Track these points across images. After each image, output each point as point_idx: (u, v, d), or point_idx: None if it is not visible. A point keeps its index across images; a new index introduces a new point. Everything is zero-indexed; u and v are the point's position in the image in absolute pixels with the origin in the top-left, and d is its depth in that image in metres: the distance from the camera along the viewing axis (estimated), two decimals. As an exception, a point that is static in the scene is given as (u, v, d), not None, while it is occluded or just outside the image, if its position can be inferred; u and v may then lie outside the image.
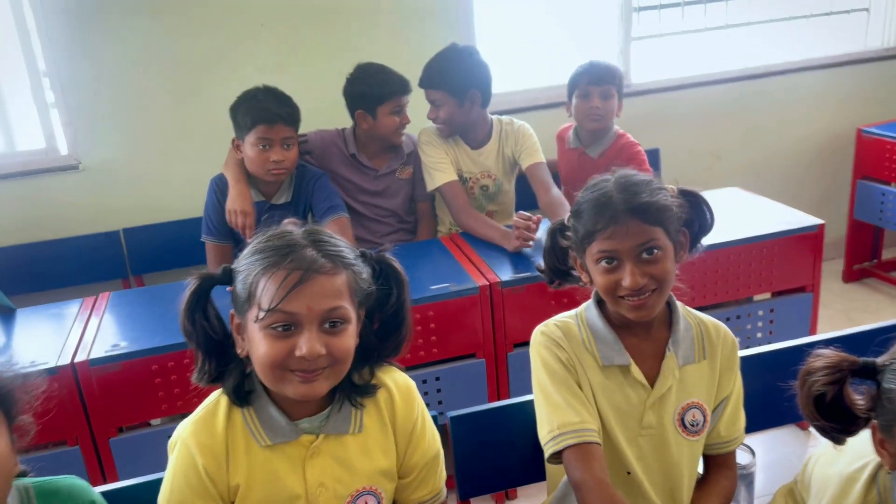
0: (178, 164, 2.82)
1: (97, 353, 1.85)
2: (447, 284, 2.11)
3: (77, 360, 1.82)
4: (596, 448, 1.21)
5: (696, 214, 1.28)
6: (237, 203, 2.30)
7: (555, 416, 1.23)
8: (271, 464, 1.11)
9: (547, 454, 1.23)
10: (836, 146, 3.65)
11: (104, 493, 1.26)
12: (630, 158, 2.54)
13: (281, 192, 2.40)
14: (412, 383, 1.22)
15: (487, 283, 2.11)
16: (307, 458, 1.12)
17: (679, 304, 1.33)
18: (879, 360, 1.04)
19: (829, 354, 1.06)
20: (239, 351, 1.11)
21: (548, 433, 1.23)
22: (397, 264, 1.17)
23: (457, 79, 2.45)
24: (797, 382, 1.08)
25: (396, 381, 1.20)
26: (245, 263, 1.08)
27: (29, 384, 1.01)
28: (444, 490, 1.26)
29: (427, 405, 1.25)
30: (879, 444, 1.02)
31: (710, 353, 1.31)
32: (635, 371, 1.27)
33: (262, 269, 1.04)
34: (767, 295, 2.52)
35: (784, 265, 2.40)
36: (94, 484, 1.87)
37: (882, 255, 3.62)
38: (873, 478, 1.09)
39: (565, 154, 2.75)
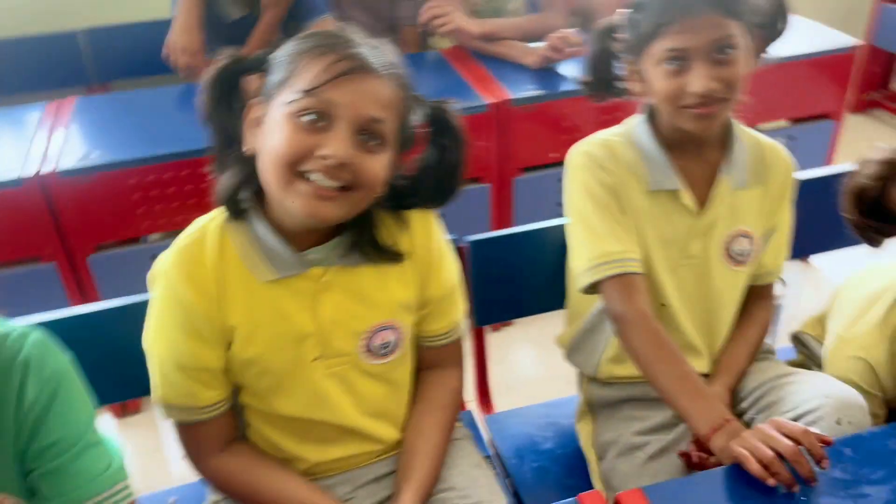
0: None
1: (66, 164, 1.66)
2: (451, 101, 1.91)
3: (43, 171, 1.64)
4: (639, 279, 1.11)
5: (775, 12, 1.09)
6: (180, 37, 1.90)
7: (595, 245, 1.11)
8: (276, 301, 0.97)
9: (583, 284, 1.13)
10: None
11: (81, 316, 1.13)
12: None
13: None
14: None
15: (496, 101, 1.92)
16: (318, 293, 0.98)
17: (734, 121, 1.18)
18: None
19: (886, 149, 1.06)
20: (245, 148, 0.93)
21: (586, 261, 1.12)
22: (456, 121, 1.00)
23: None
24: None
25: None
26: (288, 47, 0.91)
27: None
28: (462, 323, 1.15)
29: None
30: None
31: (765, 178, 1.19)
32: (684, 196, 1.14)
33: (310, 49, 0.88)
34: (782, 122, 2.39)
35: (807, 90, 2.24)
36: (74, 303, 1.79)
37: (890, 85, 3.46)
38: None
39: None
